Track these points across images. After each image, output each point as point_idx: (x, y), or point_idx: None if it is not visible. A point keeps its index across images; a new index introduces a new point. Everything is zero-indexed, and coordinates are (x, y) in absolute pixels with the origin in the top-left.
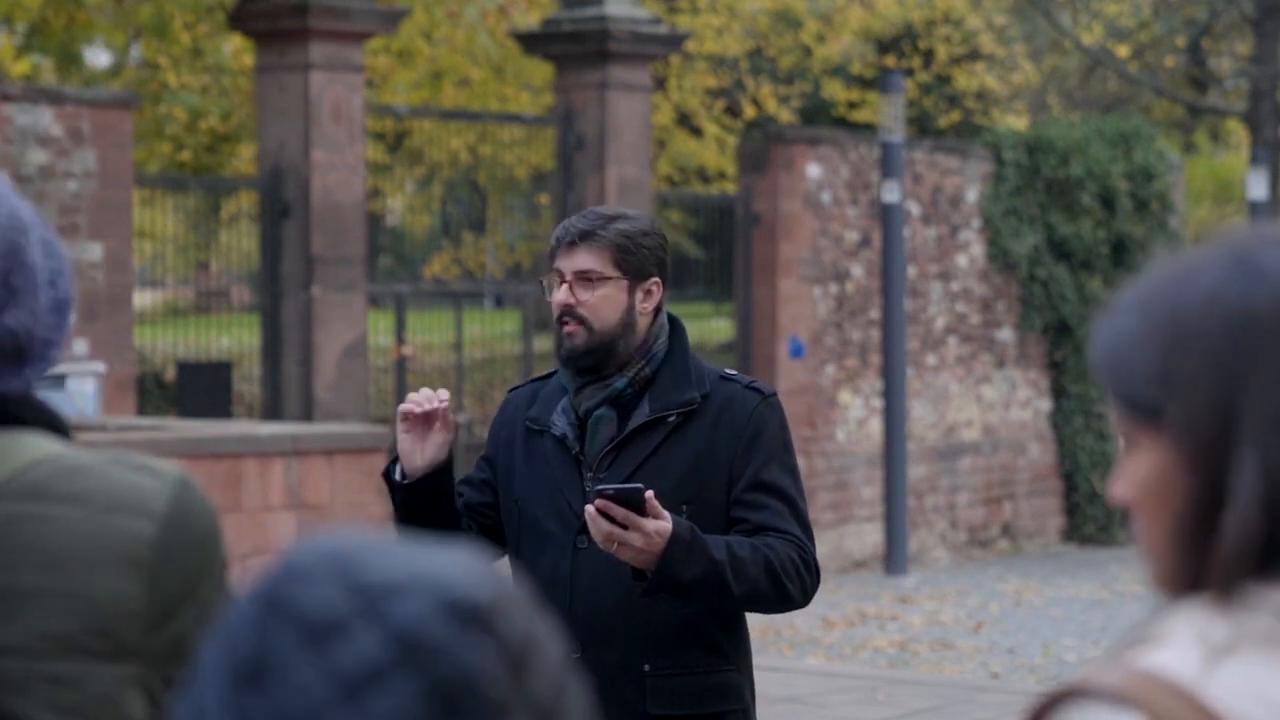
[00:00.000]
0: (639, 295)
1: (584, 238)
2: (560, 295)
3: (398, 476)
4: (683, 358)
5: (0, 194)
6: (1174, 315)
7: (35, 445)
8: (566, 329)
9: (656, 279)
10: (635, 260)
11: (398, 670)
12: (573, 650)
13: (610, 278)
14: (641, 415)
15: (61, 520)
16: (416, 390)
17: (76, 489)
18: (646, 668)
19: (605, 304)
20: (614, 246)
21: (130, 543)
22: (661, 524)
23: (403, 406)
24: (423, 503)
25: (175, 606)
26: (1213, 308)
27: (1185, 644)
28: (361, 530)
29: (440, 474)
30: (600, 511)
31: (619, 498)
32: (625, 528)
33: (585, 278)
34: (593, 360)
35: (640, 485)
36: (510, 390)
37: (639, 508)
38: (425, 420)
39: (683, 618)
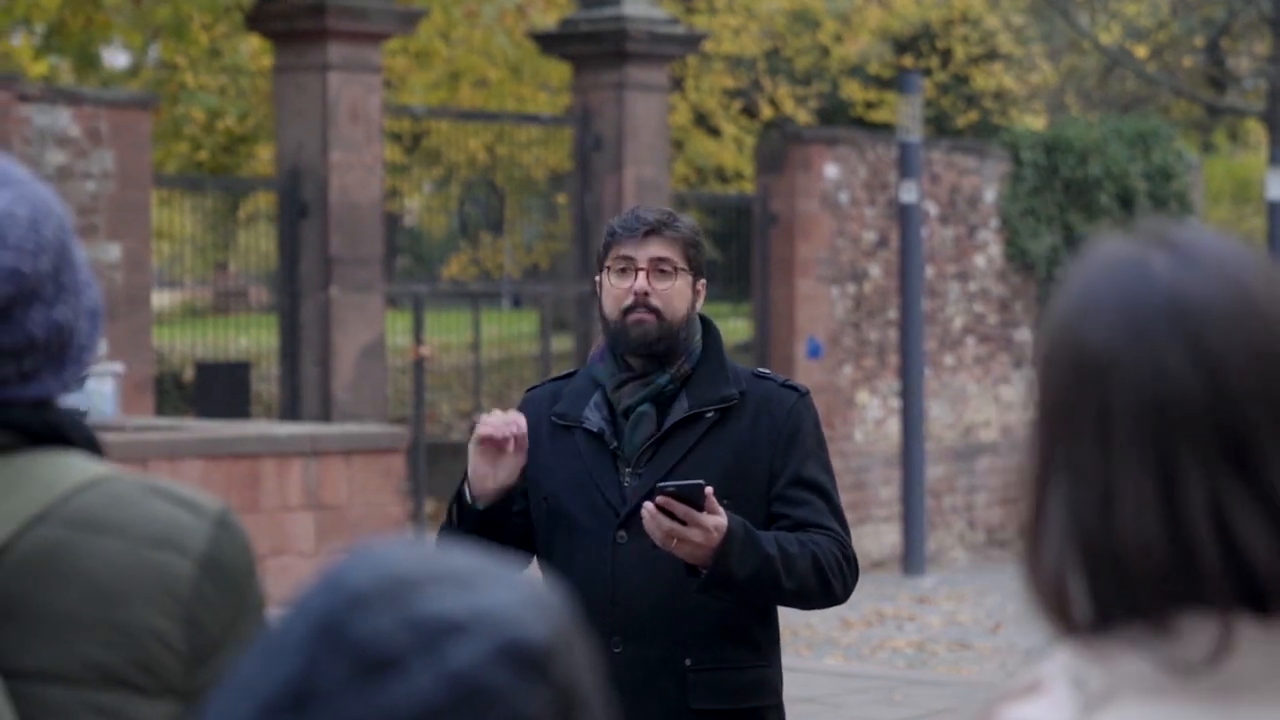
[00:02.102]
0: (696, 293)
1: (659, 228)
2: (639, 282)
3: (468, 499)
4: (719, 355)
5: (49, 195)
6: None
7: (79, 468)
8: (636, 316)
9: (704, 279)
10: (698, 257)
11: (450, 714)
12: (614, 645)
13: (681, 270)
14: (680, 411)
15: (105, 551)
16: (434, 391)
17: (119, 520)
18: (688, 662)
19: (677, 296)
20: (685, 241)
21: (169, 580)
22: (719, 519)
23: (480, 430)
24: (490, 527)
25: (213, 646)
26: None
27: (1062, 692)
28: (417, 546)
29: (509, 498)
30: (660, 508)
31: (680, 494)
32: (684, 524)
33: (660, 268)
34: (664, 347)
35: (701, 481)
36: (527, 391)
37: (698, 504)
38: (500, 444)
39: (721, 613)
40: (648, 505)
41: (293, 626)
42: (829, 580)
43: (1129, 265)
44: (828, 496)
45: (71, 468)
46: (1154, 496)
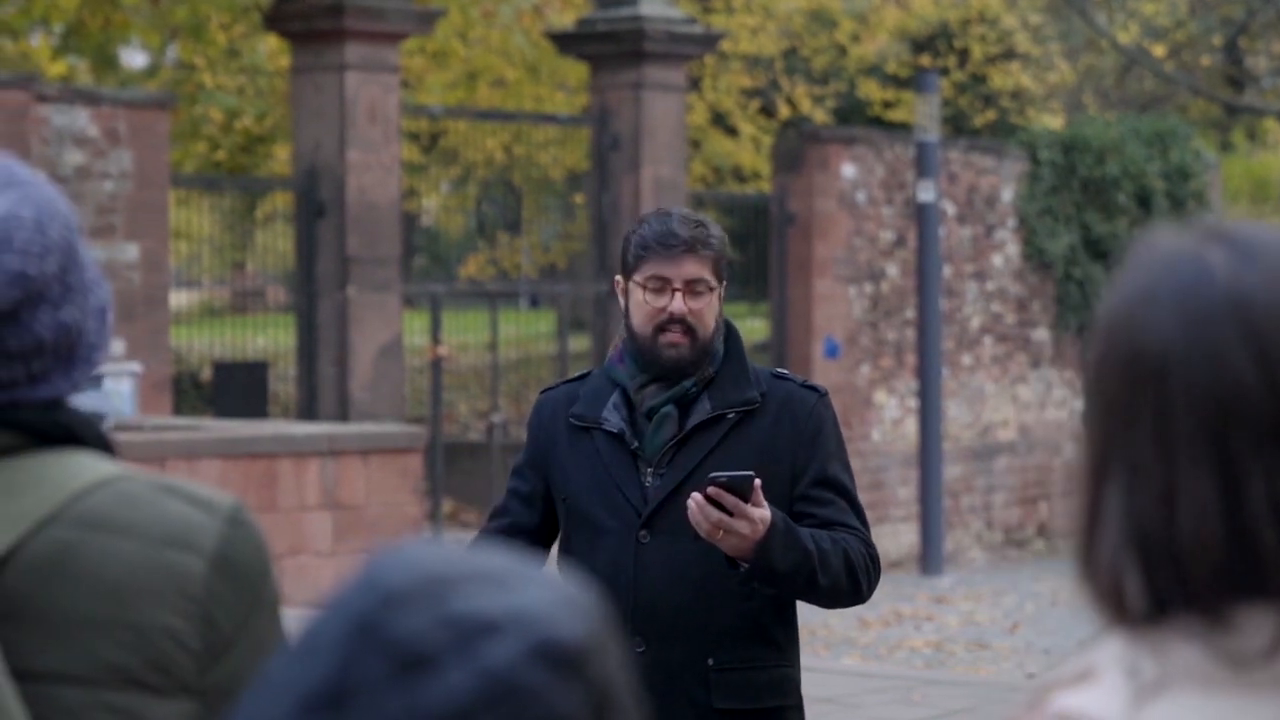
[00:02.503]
0: (719, 299)
1: (693, 247)
2: (675, 304)
3: None
4: (740, 357)
5: (54, 195)
6: None
7: (90, 467)
8: (670, 337)
9: (725, 281)
10: (724, 267)
11: (485, 712)
12: (636, 645)
13: (713, 287)
14: (702, 413)
15: (117, 551)
16: (451, 390)
17: (131, 520)
18: (710, 662)
19: (709, 313)
20: (716, 256)
21: (182, 579)
22: (764, 512)
23: None
24: None
25: (228, 644)
26: None
27: (1114, 681)
28: (451, 546)
29: None
30: (709, 499)
31: (731, 485)
32: (732, 515)
33: (694, 288)
34: (694, 368)
35: (751, 473)
36: (542, 392)
37: (746, 496)
38: None
39: (743, 613)
40: (695, 496)
41: (329, 625)
42: (859, 579)
43: (1186, 261)
44: (850, 496)
45: (82, 467)
46: (1215, 494)
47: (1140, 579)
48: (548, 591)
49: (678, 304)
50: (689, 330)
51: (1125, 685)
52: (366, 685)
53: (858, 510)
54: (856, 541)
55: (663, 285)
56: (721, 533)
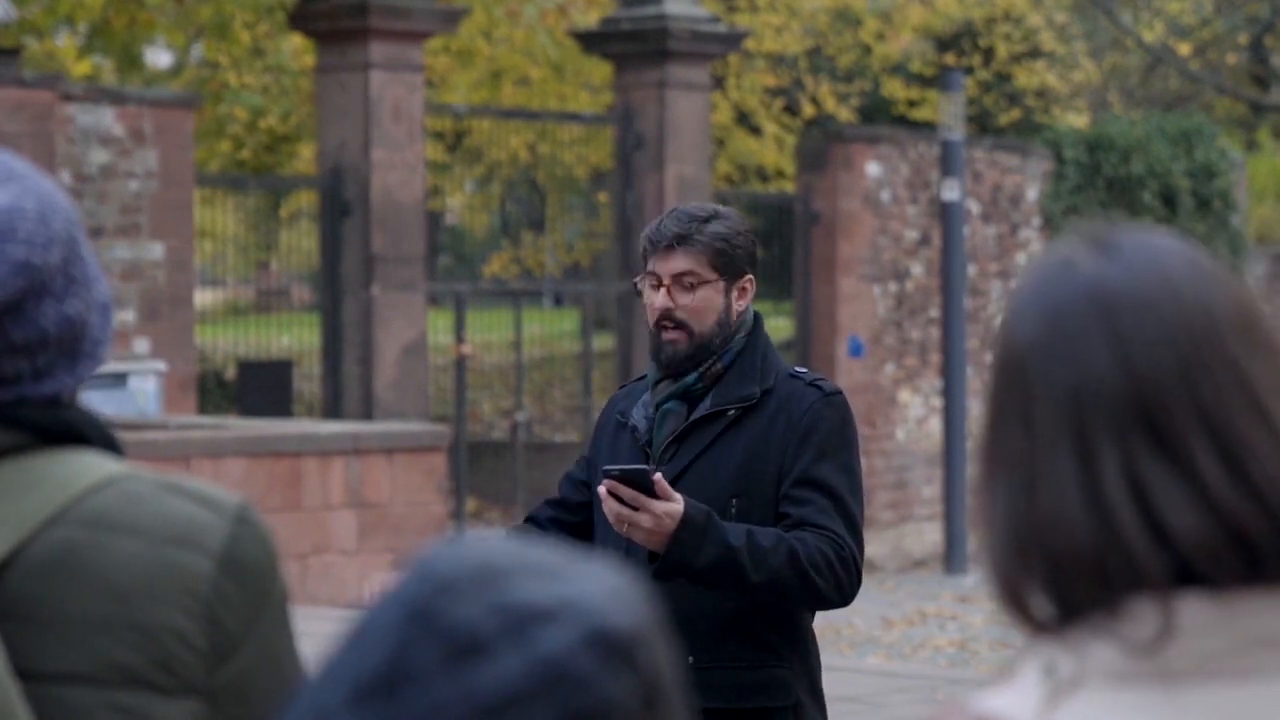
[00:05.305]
0: (734, 294)
1: (680, 241)
2: (659, 299)
3: None
4: (753, 353)
5: (53, 189)
6: None
7: (95, 466)
8: (667, 335)
9: (750, 276)
10: (731, 260)
11: (537, 699)
12: None
13: (708, 280)
14: (703, 409)
15: (123, 551)
16: (475, 389)
17: (136, 519)
18: (690, 659)
19: (704, 306)
20: (711, 249)
21: (188, 579)
22: (671, 506)
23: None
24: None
25: (235, 644)
26: None
27: (1030, 682)
28: (505, 539)
29: None
30: (610, 492)
31: (626, 478)
32: (636, 509)
33: (682, 281)
34: (694, 364)
35: (647, 467)
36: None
37: (648, 489)
38: None
39: (729, 611)
40: (599, 489)
41: (384, 613)
42: (810, 579)
43: (1056, 266)
44: (836, 497)
45: (87, 467)
46: (1072, 474)
47: (1035, 579)
48: (600, 583)
49: (661, 298)
50: (682, 325)
51: (1040, 684)
52: (420, 672)
53: (844, 512)
54: (818, 541)
55: (656, 281)
56: (626, 526)
